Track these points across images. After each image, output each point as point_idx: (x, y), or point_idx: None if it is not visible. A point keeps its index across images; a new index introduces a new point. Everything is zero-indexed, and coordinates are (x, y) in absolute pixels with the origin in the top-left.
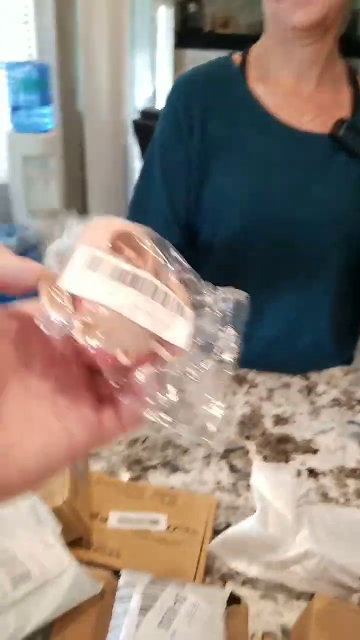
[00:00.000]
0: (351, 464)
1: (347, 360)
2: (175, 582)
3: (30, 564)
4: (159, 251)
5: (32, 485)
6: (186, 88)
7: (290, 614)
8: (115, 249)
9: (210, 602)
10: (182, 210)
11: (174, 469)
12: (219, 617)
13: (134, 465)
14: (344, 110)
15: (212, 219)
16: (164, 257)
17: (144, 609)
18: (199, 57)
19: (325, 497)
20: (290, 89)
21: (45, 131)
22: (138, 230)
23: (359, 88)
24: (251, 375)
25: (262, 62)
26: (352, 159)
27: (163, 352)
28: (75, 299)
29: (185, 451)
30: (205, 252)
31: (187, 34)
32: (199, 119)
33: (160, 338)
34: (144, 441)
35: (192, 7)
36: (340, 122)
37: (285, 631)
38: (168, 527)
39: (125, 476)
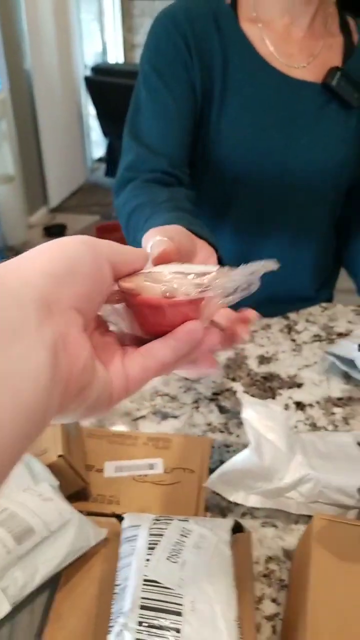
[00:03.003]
0: (336, 393)
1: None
2: (179, 517)
3: (32, 519)
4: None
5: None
6: (175, 10)
7: (290, 538)
8: None
9: (216, 532)
10: (191, 122)
11: (164, 416)
12: (225, 545)
13: (123, 417)
14: (336, 58)
15: (207, 153)
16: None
17: (151, 546)
18: (148, 7)
19: (314, 427)
20: (282, 32)
21: None
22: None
23: (351, 35)
24: None
25: (254, 1)
26: (344, 109)
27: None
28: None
29: (173, 398)
30: (200, 179)
31: None
32: (196, 45)
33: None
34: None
35: None
36: (333, 71)
37: (287, 554)
38: (165, 470)
39: (116, 428)
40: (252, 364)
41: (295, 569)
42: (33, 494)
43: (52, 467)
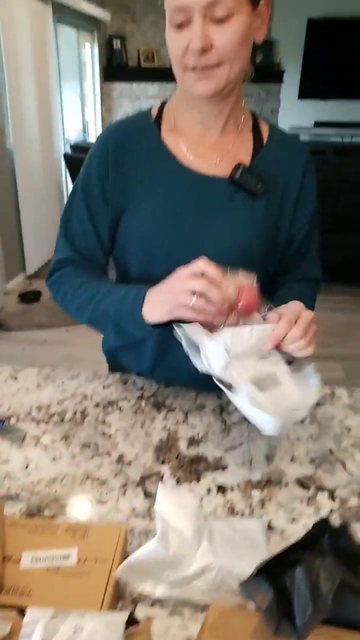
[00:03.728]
0: (257, 476)
1: None
2: (76, 612)
3: None
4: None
5: None
6: (107, 135)
7: (195, 627)
8: None
9: (109, 626)
10: (105, 237)
11: (92, 502)
12: (119, 633)
13: (52, 504)
14: (245, 156)
15: (123, 251)
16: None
17: (47, 635)
18: (126, 89)
19: (232, 511)
20: (197, 138)
21: None
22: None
23: (261, 135)
24: (169, 400)
25: (174, 115)
26: (250, 198)
27: None
28: None
29: (103, 482)
30: (121, 271)
31: (113, 69)
32: (114, 162)
33: None
34: (62, 480)
35: (116, 44)
36: (237, 167)
37: None
38: (79, 560)
39: (44, 515)
40: (182, 445)
41: None
42: None
43: None
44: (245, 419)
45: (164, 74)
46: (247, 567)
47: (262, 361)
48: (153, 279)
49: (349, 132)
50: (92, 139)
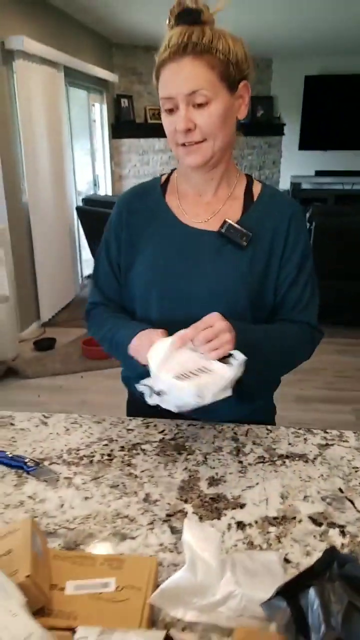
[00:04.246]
0: (272, 513)
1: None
2: (121, 630)
3: (1, 632)
4: None
5: None
6: (122, 199)
7: None
8: None
9: None
10: (121, 279)
11: (123, 537)
12: None
13: (87, 539)
14: (235, 214)
15: (129, 298)
16: None
17: None
18: (134, 145)
19: (251, 545)
20: (193, 199)
21: None
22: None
23: (252, 195)
24: (189, 442)
25: (177, 180)
26: (237, 248)
27: None
28: None
29: (132, 520)
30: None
31: (121, 126)
32: (126, 221)
33: None
34: (95, 517)
35: (124, 103)
36: (224, 222)
37: None
38: (117, 588)
39: (80, 549)
40: (203, 485)
41: None
42: (3, 609)
43: (21, 586)
44: (261, 460)
45: None
46: (267, 594)
47: (193, 360)
48: (151, 323)
49: (349, 180)
50: (102, 191)
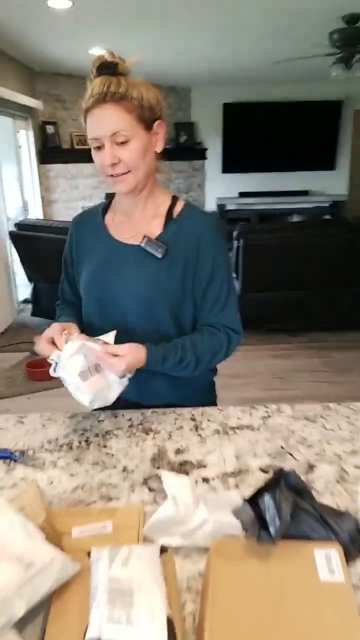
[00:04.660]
0: (230, 469)
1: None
2: (126, 544)
3: (32, 557)
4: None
5: None
6: (74, 220)
7: (202, 562)
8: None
9: (151, 549)
10: (77, 291)
11: (109, 499)
12: (156, 556)
13: (79, 504)
14: (156, 230)
15: (81, 293)
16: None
17: (110, 560)
18: (62, 170)
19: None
20: (124, 218)
21: None
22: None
23: (172, 214)
24: (154, 425)
25: (115, 203)
26: (156, 259)
27: None
28: None
29: (115, 486)
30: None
31: (48, 151)
32: (75, 238)
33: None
34: (82, 487)
35: (49, 129)
36: (144, 237)
37: (200, 574)
38: (113, 528)
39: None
40: (171, 455)
41: (204, 577)
42: (30, 543)
43: (40, 528)
44: (217, 432)
45: None
46: (232, 519)
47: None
48: (93, 321)
49: (270, 200)
50: (32, 216)
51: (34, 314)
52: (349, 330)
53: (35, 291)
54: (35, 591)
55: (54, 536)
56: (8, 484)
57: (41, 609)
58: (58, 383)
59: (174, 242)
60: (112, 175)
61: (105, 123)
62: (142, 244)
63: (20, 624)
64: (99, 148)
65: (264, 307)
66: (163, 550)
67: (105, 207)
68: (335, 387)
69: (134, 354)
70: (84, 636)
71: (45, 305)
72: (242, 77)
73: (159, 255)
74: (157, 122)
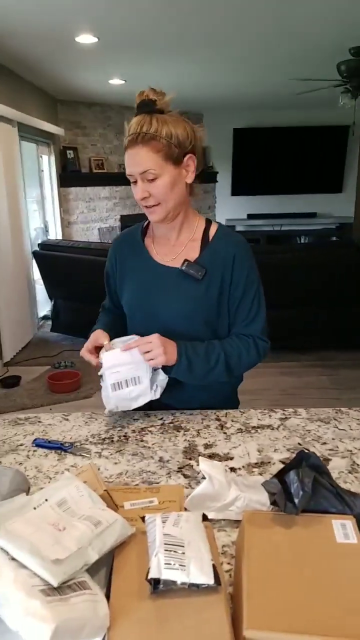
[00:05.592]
0: (254, 460)
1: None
2: (175, 513)
3: (99, 518)
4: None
5: None
6: (115, 241)
7: (235, 534)
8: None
9: (195, 516)
10: (118, 303)
11: (150, 483)
12: (200, 520)
13: (123, 487)
14: (193, 253)
15: (124, 307)
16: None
17: (163, 522)
18: (81, 193)
19: None
20: (162, 242)
21: None
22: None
23: (208, 237)
24: (184, 424)
25: (153, 227)
26: (194, 281)
27: None
28: None
29: (154, 473)
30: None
31: (68, 175)
32: (116, 260)
33: None
34: (126, 473)
35: (70, 154)
36: (184, 261)
37: (233, 542)
38: (159, 503)
39: None
40: (201, 449)
41: (238, 542)
42: (96, 508)
43: (101, 497)
44: (240, 431)
45: (113, 179)
46: (261, 496)
47: (133, 370)
48: (137, 331)
49: (278, 222)
50: (52, 236)
51: (53, 329)
52: (357, 349)
53: (55, 308)
54: (104, 544)
55: (111, 506)
56: (60, 470)
57: (102, 565)
58: (77, 395)
59: (210, 264)
60: (146, 206)
61: (136, 162)
62: (183, 268)
63: (90, 573)
64: (135, 182)
65: (274, 325)
66: (204, 517)
67: (143, 229)
68: (343, 404)
69: (164, 338)
70: (146, 577)
71: (64, 322)
72: (252, 103)
73: (199, 277)
74: (187, 156)
